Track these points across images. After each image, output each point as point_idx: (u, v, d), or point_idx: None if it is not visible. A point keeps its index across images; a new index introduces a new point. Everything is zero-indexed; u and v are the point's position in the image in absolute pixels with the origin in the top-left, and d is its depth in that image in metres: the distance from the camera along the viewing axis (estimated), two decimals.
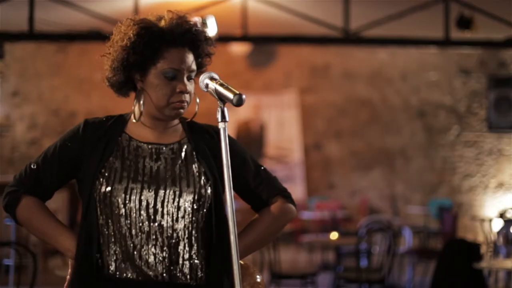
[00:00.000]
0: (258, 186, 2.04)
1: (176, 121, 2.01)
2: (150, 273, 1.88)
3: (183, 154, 1.97)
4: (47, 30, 8.03)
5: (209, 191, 1.93)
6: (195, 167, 1.95)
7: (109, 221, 1.90)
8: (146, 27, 1.90)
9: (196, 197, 1.91)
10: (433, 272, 5.97)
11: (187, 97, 1.92)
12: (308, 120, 11.04)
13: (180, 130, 2.01)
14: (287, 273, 6.33)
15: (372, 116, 11.15)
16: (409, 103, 11.18)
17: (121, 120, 2.00)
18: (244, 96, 1.70)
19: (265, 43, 9.96)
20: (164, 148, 1.96)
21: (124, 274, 1.88)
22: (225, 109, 1.73)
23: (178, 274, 1.89)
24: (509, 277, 6.83)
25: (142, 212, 1.88)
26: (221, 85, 1.75)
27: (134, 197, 1.88)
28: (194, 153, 1.97)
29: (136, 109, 1.96)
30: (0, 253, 6.66)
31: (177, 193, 1.90)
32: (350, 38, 7.89)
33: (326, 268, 8.14)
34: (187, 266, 1.91)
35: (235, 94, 1.69)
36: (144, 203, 1.88)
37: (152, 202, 1.88)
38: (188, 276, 1.91)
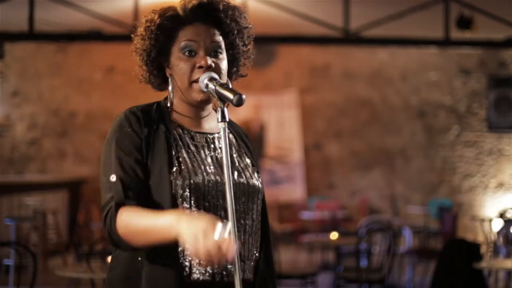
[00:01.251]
0: (263, 226, 1.89)
1: (211, 109, 1.89)
2: (225, 271, 1.73)
3: (232, 143, 1.89)
4: (47, 30, 8.04)
5: (260, 182, 1.87)
6: (246, 157, 1.89)
7: None
8: (159, 12, 1.84)
9: (258, 191, 1.84)
10: (433, 272, 5.97)
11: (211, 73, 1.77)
12: (308, 120, 11.04)
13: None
14: (287, 273, 6.31)
15: (372, 116, 11.15)
16: (409, 103, 11.18)
17: (162, 108, 1.85)
18: (244, 96, 1.67)
19: (265, 43, 9.96)
20: (216, 137, 1.86)
21: (201, 276, 1.72)
22: (225, 109, 1.70)
23: (246, 271, 1.79)
24: (509, 277, 6.82)
25: (219, 208, 1.74)
26: (221, 85, 1.72)
27: (213, 192, 1.74)
28: (238, 143, 1.92)
29: (168, 97, 1.86)
30: (0, 253, 6.67)
31: (245, 186, 1.80)
32: (350, 38, 7.89)
33: (326, 268, 8.13)
34: (253, 262, 1.82)
35: (235, 94, 1.66)
36: (220, 200, 1.73)
37: (228, 197, 1.69)
38: (252, 274, 1.81)
